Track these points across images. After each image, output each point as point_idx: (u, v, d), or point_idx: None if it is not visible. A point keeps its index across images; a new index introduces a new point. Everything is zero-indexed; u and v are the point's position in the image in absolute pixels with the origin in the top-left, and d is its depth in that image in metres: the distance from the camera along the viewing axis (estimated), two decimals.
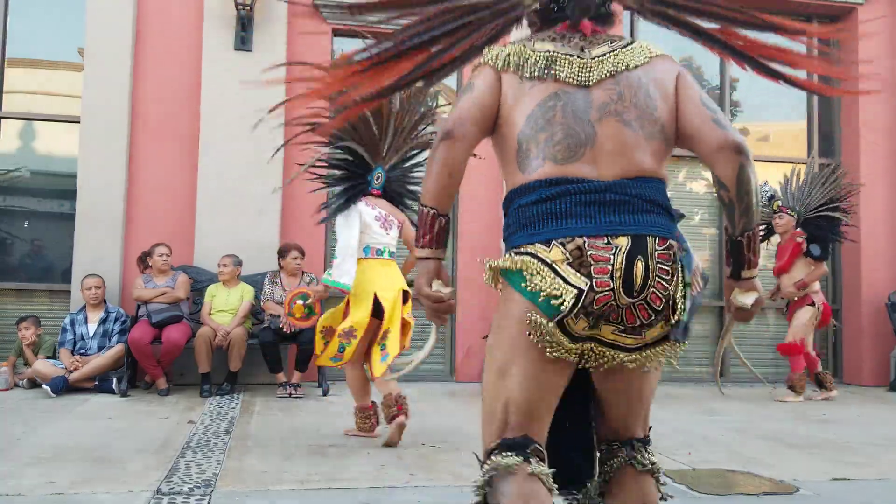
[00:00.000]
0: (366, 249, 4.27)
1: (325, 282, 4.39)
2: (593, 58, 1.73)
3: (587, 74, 1.71)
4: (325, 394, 6.08)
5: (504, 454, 1.66)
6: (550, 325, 1.59)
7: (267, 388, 6.19)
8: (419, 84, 1.86)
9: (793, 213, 6.44)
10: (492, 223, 7.27)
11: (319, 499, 3.13)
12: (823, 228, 6.55)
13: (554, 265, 1.60)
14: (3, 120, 7.10)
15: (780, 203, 6.48)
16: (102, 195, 6.63)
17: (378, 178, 4.40)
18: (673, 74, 1.77)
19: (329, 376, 6.44)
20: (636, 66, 1.74)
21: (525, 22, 1.85)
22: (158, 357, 5.90)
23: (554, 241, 1.62)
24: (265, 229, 6.75)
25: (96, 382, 5.86)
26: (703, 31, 1.84)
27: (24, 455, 3.74)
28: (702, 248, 7.98)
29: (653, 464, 1.78)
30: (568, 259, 1.60)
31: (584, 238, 1.60)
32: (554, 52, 1.73)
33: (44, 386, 5.73)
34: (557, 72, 1.70)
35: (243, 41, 6.76)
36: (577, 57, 1.73)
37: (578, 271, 1.59)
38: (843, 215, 6.70)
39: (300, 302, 5.94)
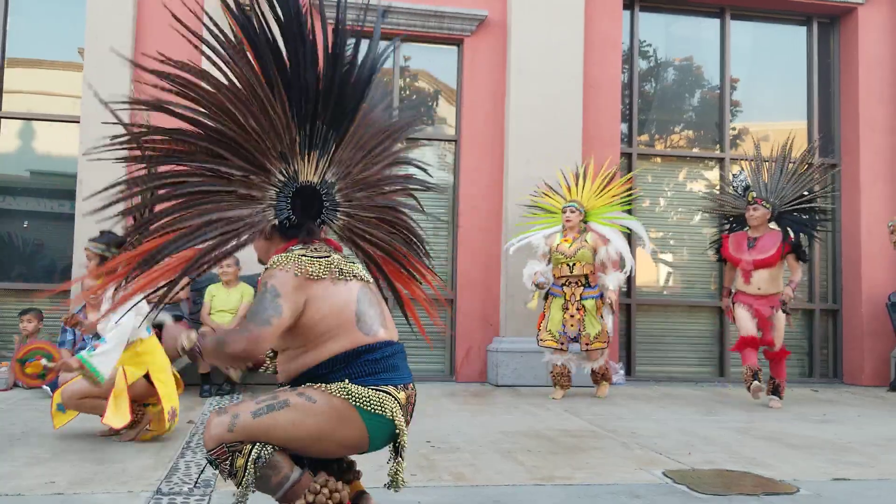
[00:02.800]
0: None
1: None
2: (354, 267, 2.36)
3: (361, 276, 2.36)
4: None
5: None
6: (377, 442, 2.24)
7: (267, 388, 6.17)
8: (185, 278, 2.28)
9: (767, 206, 6.20)
10: (491, 225, 7.28)
11: None
12: (800, 223, 6.36)
13: (401, 404, 2.24)
14: (3, 120, 7.10)
15: (754, 194, 6.27)
16: (102, 195, 6.62)
17: None
18: None
19: None
20: (370, 280, 2.43)
21: (266, 230, 2.37)
22: None
23: (401, 386, 2.25)
24: None
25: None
26: (371, 257, 2.52)
27: (24, 455, 3.74)
28: (701, 247, 7.98)
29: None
30: (406, 402, 2.26)
31: (410, 385, 2.30)
32: (339, 259, 2.32)
33: (44, 386, 5.72)
34: (352, 273, 2.32)
35: None
36: (354, 265, 2.38)
37: (408, 413, 2.29)
38: (821, 213, 6.59)
39: (43, 361, 5.40)
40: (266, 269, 2.25)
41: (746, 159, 6.88)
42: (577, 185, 6.56)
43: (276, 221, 2.35)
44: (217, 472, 2.16)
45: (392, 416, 2.20)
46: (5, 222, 7.15)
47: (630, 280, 7.78)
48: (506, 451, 4.06)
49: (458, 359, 7.21)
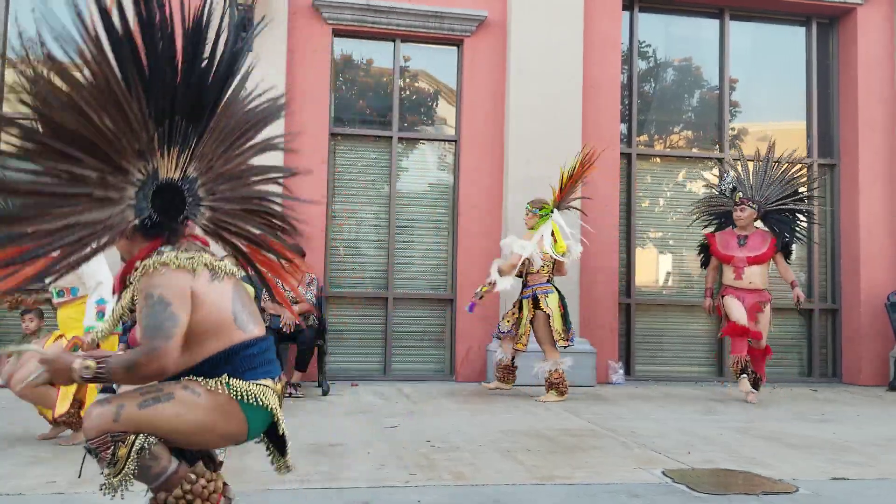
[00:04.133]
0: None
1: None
2: (221, 263, 2.38)
3: (232, 272, 2.39)
4: (325, 394, 6.09)
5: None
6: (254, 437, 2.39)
7: None
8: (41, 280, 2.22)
9: (753, 206, 6.34)
10: (490, 226, 7.29)
11: (319, 498, 3.13)
12: (785, 223, 6.48)
13: (277, 395, 2.35)
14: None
15: (741, 195, 6.37)
16: None
17: None
18: None
19: (329, 376, 6.45)
20: (237, 274, 2.47)
21: (127, 231, 2.34)
22: None
23: (276, 378, 2.36)
24: None
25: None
26: (239, 249, 2.50)
27: (24, 455, 3.75)
28: None
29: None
30: (280, 394, 2.37)
31: (281, 376, 2.44)
32: (210, 257, 2.34)
33: None
34: (227, 270, 2.36)
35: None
36: (220, 260, 2.38)
37: (280, 402, 2.39)
38: (806, 213, 6.65)
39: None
40: (141, 276, 2.22)
41: (736, 159, 6.92)
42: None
43: (137, 221, 2.31)
44: (97, 461, 2.15)
45: (270, 407, 2.30)
46: None
47: (630, 280, 7.80)
48: (505, 451, 4.07)
49: (458, 358, 7.22)
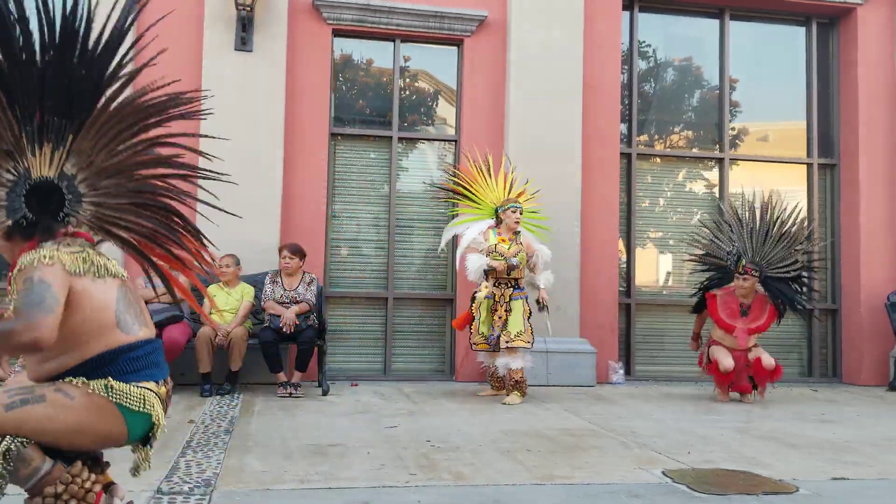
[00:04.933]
0: None
1: None
2: (110, 263, 2.34)
3: (118, 275, 2.32)
4: (325, 393, 6.09)
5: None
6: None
7: (267, 388, 6.20)
8: None
9: (756, 275, 6.24)
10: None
11: (319, 498, 3.14)
12: (785, 293, 6.31)
13: (161, 398, 2.32)
14: None
15: (744, 263, 6.25)
16: None
17: None
18: None
19: (329, 376, 6.45)
20: (125, 276, 2.41)
21: (3, 232, 2.29)
22: None
23: (161, 381, 2.33)
24: (265, 230, 6.76)
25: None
26: (130, 243, 2.46)
27: None
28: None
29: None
30: (164, 398, 2.34)
31: (168, 379, 2.38)
32: (94, 255, 2.28)
33: None
34: (112, 270, 2.30)
35: (243, 41, 6.77)
36: (110, 261, 2.34)
37: (166, 406, 2.37)
38: (805, 286, 6.50)
39: None
40: (20, 269, 2.14)
41: (738, 217, 6.57)
42: (491, 181, 6.41)
43: (10, 223, 2.26)
44: None
45: (152, 411, 2.26)
46: None
47: (630, 280, 7.80)
48: (505, 451, 4.07)
49: (457, 358, 7.21)
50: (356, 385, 6.72)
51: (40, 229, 2.25)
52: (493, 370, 6.14)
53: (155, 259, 2.50)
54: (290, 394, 5.93)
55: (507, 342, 5.92)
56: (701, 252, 6.77)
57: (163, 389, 2.33)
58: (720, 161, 8.06)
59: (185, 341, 5.94)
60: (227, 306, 6.20)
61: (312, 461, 3.74)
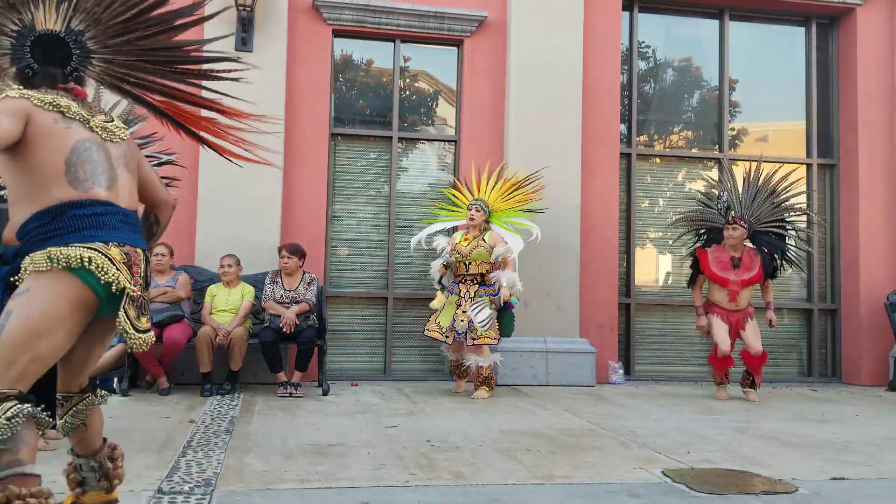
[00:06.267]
0: None
1: None
2: (106, 122, 2.34)
3: (105, 133, 2.32)
4: (325, 393, 6.09)
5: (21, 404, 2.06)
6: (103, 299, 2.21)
7: (267, 388, 6.20)
8: None
9: (745, 226, 6.39)
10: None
11: (319, 498, 3.14)
12: (774, 246, 6.52)
13: (113, 261, 2.20)
14: None
15: (734, 214, 6.41)
16: None
17: None
18: (136, 147, 2.52)
19: (329, 376, 6.46)
20: (123, 139, 2.41)
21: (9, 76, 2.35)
22: (159, 356, 5.92)
23: (112, 243, 2.22)
24: (265, 229, 6.76)
25: (97, 382, 5.87)
26: (150, 104, 2.48)
27: None
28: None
29: (103, 397, 2.54)
30: (124, 259, 2.24)
31: (128, 246, 2.27)
32: (79, 107, 2.27)
33: None
34: (90, 124, 2.28)
35: (243, 41, 6.77)
36: (94, 118, 2.31)
37: (129, 269, 2.26)
38: (797, 238, 6.70)
39: None
40: None
41: (734, 163, 6.93)
42: (486, 184, 6.52)
43: (15, 69, 2.30)
44: None
45: (100, 273, 2.16)
46: (6, 224, 7.15)
47: (629, 280, 7.80)
48: (505, 450, 4.07)
49: None
50: (356, 385, 6.72)
51: (41, 76, 2.28)
52: (456, 363, 6.34)
53: (170, 112, 2.48)
54: (291, 394, 5.94)
55: (473, 339, 6.04)
56: (693, 216, 6.89)
57: (114, 251, 2.21)
58: (720, 161, 8.06)
59: (185, 341, 5.95)
60: (227, 306, 6.21)
61: (313, 461, 3.74)
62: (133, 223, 2.33)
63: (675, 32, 8.27)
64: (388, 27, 7.29)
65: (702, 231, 6.85)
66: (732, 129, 8.26)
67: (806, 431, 4.93)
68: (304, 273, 6.38)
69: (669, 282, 8.14)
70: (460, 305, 6.15)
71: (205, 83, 2.56)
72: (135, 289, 2.26)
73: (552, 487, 3.36)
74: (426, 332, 6.33)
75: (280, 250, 6.37)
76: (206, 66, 2.54)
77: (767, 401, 6.37)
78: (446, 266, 6.24)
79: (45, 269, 2.13)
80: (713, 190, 7.06)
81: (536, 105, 7.22)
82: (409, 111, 7.69)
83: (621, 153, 7.70)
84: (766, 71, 8.29)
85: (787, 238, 6.66)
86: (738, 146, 8.27)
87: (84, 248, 2.15)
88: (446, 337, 6.14)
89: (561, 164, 7.11)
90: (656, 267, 8.11)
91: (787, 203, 6.61)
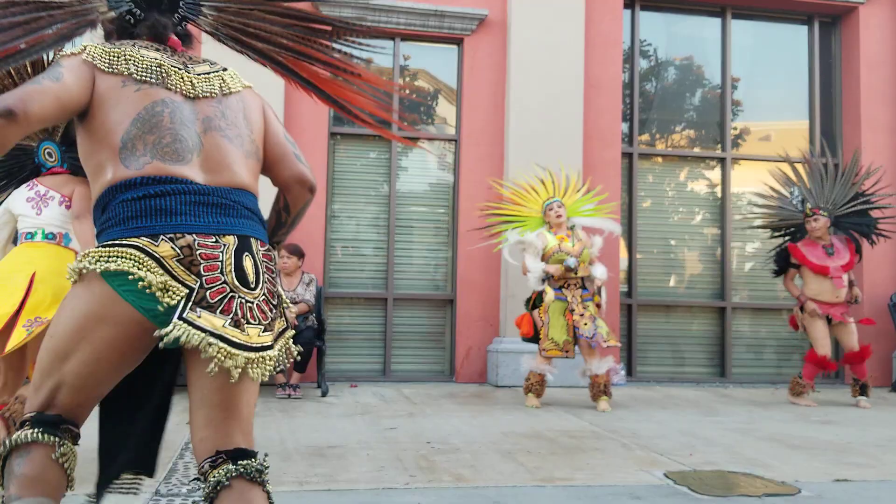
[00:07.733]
0: (17, 239, 3.52)
1: None
2: (198, 74, 1.85)
3: (194, 89, 1.82)
4: (324, 395, 6.07)
5: (35, 429, 1.66)
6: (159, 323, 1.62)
7: (266, 389, 6.18)
8: None
9: (826, 214, 6.39)
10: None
11: (319, 500, 3.12)
12: (862, 225, 6.54)
13: (163, 261, 1.63)
14: None
15: (811, 205, 6.43)
16: None
17: (50, 154, 3.49)
18: (260, 106, 1.98)
19: (328, 377, 6.43)
20: (232, 92, 1.90)
21: (100, 27, 1.91)
22: None
23: (162, 236, 1.64)
24: None
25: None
26: (276, 59, 2.06)
27: None
28: (702, 247, 7.97)
29: (260, 473, 1.74)
30: (178, 256, 1.64)
31: (194, 235, 1.65)
32: (161, 61, 1.80)
33: None
34: (167, 81, 1.78)
35: None
36: (185, 71, 1.83)
37: (189, 269, 1.64)
38: (880, 212, 6.66)
39: None
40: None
41: (790, 161, 6.75)
42: (554, 185, 6.20)
43: (114, 14, 1.88)
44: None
45: (134, 269, 1.60)
46: None
47: (631, 280, 7.77)
48: (506, 452, 4.04)
49: (458, 359, 7.19)
50: (355, 386, 6.70)
51: (146, 25, 1.88)
52: (539, 377, 5.78)
53: (303, 72, 2.09)
54: (289, 395, 5.91)
55: (604, 341, 5.63)
56: (770, 212, 6.81)
57: (163, 247, 1.63)
58: (722, 160, 8.03)
59: None
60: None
61: (311, 463, 3.71)
62: (220, 203, 1.71)
63: (677, 31, 8.24)
64: (388, 26, 7.26)
65: (780, 231, 6.80)
66: (735, 128, 8.23)
67: (808, 433, 4.90)
68: (303, 273, 6.36)
69: (671, 282, 8.11)
70: (573, 311, 5.73)
71: (329, 43, 2.14)
72: (181, 291, 1.63)
73: (553, 489, 3.33)
74: (544, 353, 5.72)
75: (279, 250, 6.32)
76: (338, 24, 2.12)
77: (769, 402, 6.33)
78: (569, 269, 5.70)
79: (77, 277, 1.69)
80: (772, 193, 6.79)
81: (537, 104, 7.19)
82: (409, 110, 7.66)
83: (623, 152, 7.67)
84: (769, 69, 8.26)
85: (868, 212, 6.61)
86: (740, 145, 8.23)
87: (115, 246, 1.64)
88: (567, 352, 5.72)
89: (561, 164, 7.06)
90: (658, 267, 8.08)
91: (855, 180, 6.56)
